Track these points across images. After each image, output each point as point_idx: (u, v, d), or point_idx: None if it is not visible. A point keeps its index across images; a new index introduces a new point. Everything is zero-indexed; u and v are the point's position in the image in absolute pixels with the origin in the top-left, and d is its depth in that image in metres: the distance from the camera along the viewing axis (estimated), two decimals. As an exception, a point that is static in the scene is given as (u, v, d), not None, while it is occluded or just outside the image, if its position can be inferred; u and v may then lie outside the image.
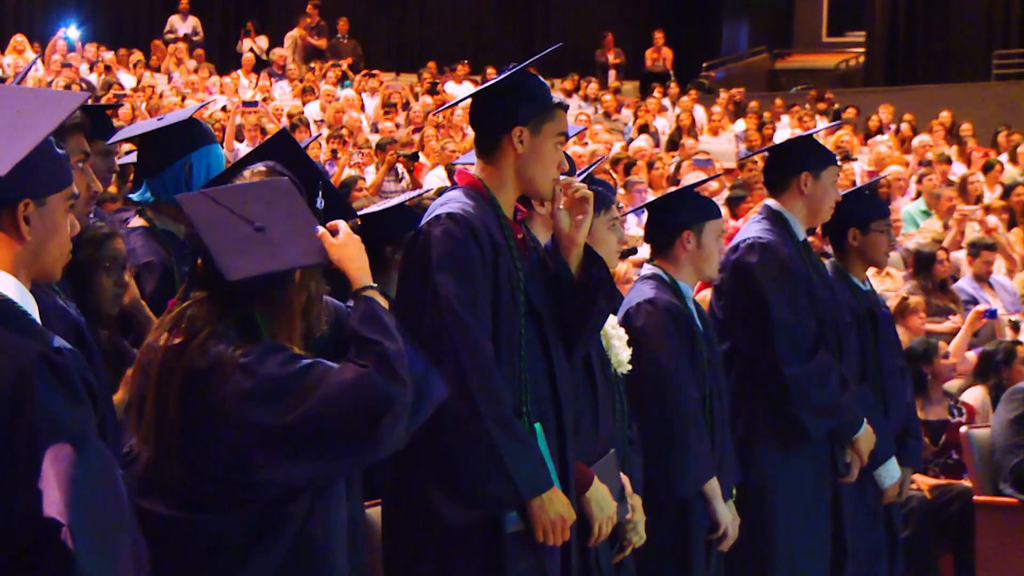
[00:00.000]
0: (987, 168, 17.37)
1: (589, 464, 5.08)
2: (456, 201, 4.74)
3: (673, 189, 7.31)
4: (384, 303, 3.89)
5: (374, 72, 24.25)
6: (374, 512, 5.36)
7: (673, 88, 25.09)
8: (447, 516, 4.60)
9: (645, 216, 6.47)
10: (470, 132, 18.04)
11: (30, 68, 4.13)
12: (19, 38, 22.50)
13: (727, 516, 5.85)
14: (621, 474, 5.38)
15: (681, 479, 5.78)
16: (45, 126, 3.00)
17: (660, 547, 5.75)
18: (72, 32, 22.97)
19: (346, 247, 3.86)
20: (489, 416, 4.52)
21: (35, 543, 2.86)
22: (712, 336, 6.02)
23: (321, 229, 3.83)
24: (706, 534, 5.85)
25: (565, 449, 4.80)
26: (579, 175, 5.44)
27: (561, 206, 4.85)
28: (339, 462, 3.71)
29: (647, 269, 6.06)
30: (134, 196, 5.44)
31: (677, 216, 6.02)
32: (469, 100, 4.97)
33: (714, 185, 14.48)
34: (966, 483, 8.74)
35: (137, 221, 5.20)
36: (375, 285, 3.90)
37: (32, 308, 3.06)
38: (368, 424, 3.63)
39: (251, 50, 25.54)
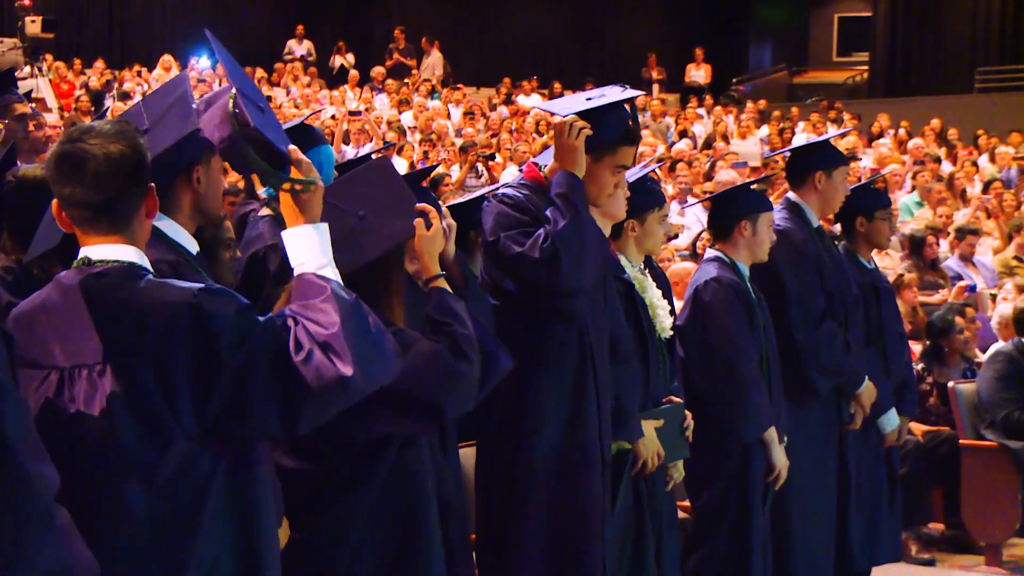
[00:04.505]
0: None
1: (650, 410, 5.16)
2: (511, 187, 4.80)
3: (733, 185, 7.26)
4: (449, 288, 3.84)
5: (458, 86, 24.29)
6: (467, 452, 5.36)
7: (708, 100, 24.98)
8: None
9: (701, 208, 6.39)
10: (538, 137, 18.13)
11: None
12: (166, 58, 22.69)
13: (781, 460, 5.82)
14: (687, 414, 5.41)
15: (745, 427, 5.77)
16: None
17: (724, 486, 5.80)
18: (204, 62, 23.06)
19: (429, 239, 3.81)
20: None
21: None
22: (764, 307, 5.99)
23: (418, 217, 3.76)
24: (764, 475, 5.82)
25: None
26: (635, 174, 5.41)
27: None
28: (413, 422, 3.65)
29: (710, 252, 6.05)
30: (262, 192, 5.51)
31: (737, 208, 5.99)
32: (538, 110, 4.96)
33: (739, 180, 14.44)
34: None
35: (264, 211, 5.25)
36: (443, 273, 3.84)
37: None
38: (437, 394, 3.60)
39: (341, 65, 25.60)
